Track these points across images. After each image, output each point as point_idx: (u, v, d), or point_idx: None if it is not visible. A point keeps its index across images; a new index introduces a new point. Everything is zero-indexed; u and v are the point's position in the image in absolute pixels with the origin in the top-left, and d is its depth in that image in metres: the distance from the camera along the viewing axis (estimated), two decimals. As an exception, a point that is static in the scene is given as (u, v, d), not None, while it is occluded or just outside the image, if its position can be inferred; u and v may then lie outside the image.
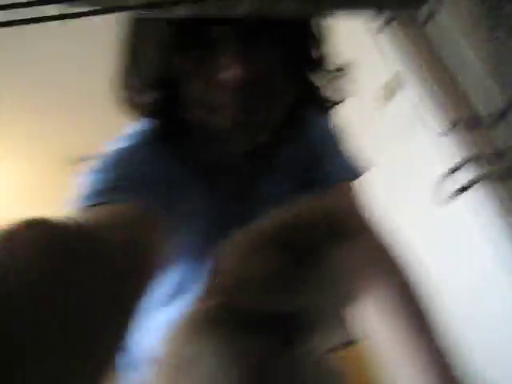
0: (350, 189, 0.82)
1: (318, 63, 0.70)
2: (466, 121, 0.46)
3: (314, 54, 0.69)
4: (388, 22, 0.46)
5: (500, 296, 1.42)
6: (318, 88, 0.72)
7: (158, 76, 0.63)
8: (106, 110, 1.29)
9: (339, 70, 0.72)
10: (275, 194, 0.74)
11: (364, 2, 0.51)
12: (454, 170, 0.46)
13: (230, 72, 0.58)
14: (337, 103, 0.74)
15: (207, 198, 0.71)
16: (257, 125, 0.64)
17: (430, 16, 0.45)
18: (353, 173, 0.83)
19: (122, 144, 0.66)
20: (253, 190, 0.75)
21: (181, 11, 0.55)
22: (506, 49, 0.47)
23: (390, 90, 1.58)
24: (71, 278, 0.34)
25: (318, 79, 0.71)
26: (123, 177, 0.60)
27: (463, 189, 0.45)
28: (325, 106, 0.74)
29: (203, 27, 0.59)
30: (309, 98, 0.72)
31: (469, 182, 0.44)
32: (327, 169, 0.81)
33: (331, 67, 0.71)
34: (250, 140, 0.67)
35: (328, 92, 0.73)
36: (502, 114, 0.45)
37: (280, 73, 0.65)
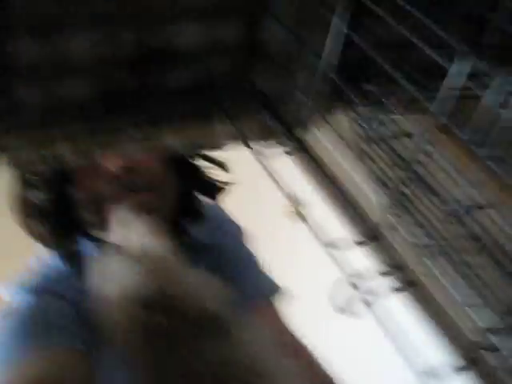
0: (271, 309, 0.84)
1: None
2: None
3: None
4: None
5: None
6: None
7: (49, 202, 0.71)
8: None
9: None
10: None
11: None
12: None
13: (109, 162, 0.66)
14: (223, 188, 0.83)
15: None
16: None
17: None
18: (271, 289, 0.85)
19: (29, 292, 0.69)
20: None
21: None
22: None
23: (295, 214, 1.69)
24: None
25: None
26: (41, 329, 0.64)
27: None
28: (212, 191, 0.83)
29: None
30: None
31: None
32: (243, 287, 0.79)
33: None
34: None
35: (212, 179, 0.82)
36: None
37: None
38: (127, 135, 0.55)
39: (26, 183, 0.71)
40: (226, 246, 0.85)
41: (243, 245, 0.90)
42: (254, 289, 0.82)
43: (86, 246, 0.73)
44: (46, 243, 0.74)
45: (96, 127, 0.53)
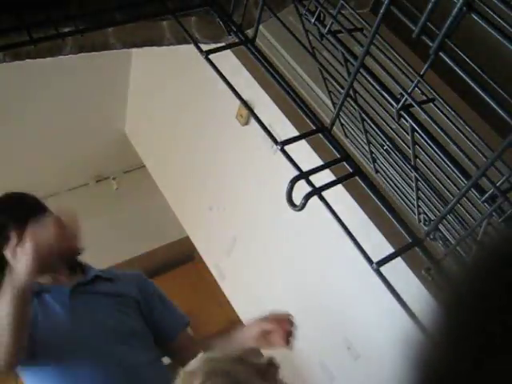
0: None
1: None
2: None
3: None
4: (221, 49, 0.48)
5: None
6: None
7: None
8: None
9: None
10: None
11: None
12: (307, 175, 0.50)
13: None
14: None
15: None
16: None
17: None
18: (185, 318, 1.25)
19: None
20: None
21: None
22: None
23: (244, 117, 1.68)
24: None
25: None
26: None
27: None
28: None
29: None
30: None
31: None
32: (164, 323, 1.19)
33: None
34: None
35: None
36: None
37: None
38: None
39: None
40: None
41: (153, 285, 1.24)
42: (179, 319, 1.21)
43: None
44: None
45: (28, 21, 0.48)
